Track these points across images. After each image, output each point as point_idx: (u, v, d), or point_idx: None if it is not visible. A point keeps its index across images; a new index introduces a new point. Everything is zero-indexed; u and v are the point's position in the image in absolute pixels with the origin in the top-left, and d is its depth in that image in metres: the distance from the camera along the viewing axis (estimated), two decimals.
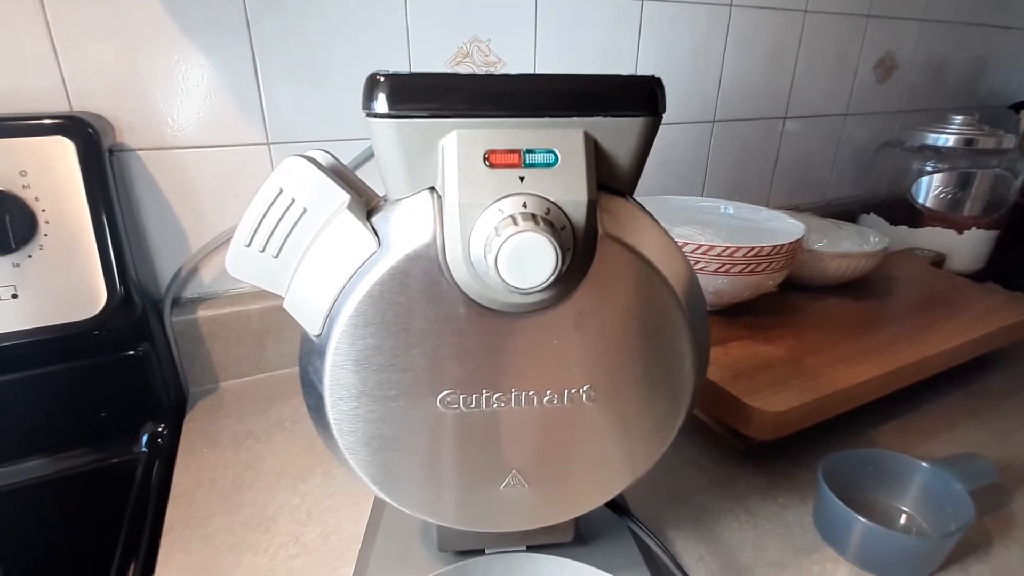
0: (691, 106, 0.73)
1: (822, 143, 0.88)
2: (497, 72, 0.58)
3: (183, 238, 0.52)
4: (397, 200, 0.23)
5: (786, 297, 0.60)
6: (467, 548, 0.33)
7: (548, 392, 0.25)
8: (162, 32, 0.46)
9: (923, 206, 0.81)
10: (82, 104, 0.46)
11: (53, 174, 0.40)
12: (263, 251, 0.24)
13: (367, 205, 0.24)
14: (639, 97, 0.21)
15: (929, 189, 0.81)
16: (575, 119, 0.21)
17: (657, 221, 0.25)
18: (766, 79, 0.77)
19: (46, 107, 0.44)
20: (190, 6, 0.46)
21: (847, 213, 0.86)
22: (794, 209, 0.79)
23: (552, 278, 0.20)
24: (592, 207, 0.21)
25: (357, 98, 0.54)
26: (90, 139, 0.41)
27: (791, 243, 0.50)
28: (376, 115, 0.20)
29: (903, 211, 0.83)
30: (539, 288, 0.20)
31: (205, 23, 0.47)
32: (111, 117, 0.47)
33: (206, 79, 0.49)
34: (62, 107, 0.45)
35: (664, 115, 0.22)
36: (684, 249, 0.49)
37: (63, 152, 0.40)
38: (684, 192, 0.76)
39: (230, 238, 0.24)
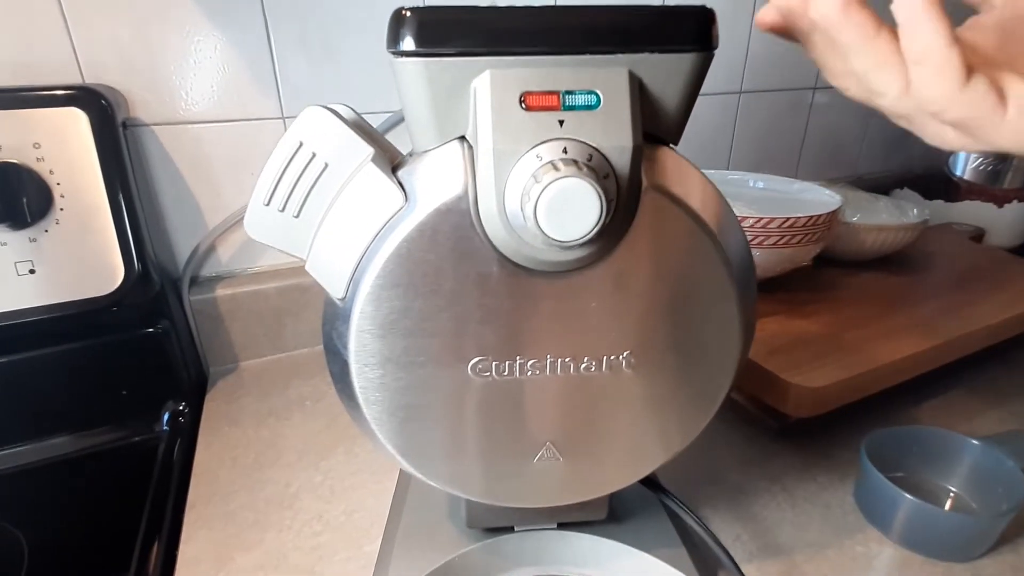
0: (717, 75, 0.70)
1: (853, 115, 0.84)
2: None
3: (199, 215, 0.52)
4: (424, 151, 0.21)
5: (820, 272, 0.57)
6: (496, 525, 0.32)
7: (585, 359, 0.23)
8: (173, 1, 0.45)
9: (960, 179, 0.78)
10: (94, 77, 0.45)
11: (67, 147, 0.39)
12: (283, 210, 0.22)
13: (392, 160, 0.23)
14: (690, 29, 0.19)
15: (967, 161, 0.77)
16: (619, 56, 0.19)
17: (704, 174, 0.23)
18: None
19: (58, 80, 0.43)
20: None
21: (879, 187, 0.82)
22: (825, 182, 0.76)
23: (596, 229, 0.18)
24: (637, 154, 0.19)
25: (373, 69, 0.53)
26: (103, 111, 0.40)
27: (828, 214, 0.48)
28: (402, 54, 0.19)
29: (939, 184, 0.79)
30: (581, 241, 0.19)
31: None
32: (124, 90, 0.46)
33: (219, 50, 0.47)
34: (74, 80, 0.44)
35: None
36: None
37: (76, 124, 0.39)
38: (707, 166, 0.74)
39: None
